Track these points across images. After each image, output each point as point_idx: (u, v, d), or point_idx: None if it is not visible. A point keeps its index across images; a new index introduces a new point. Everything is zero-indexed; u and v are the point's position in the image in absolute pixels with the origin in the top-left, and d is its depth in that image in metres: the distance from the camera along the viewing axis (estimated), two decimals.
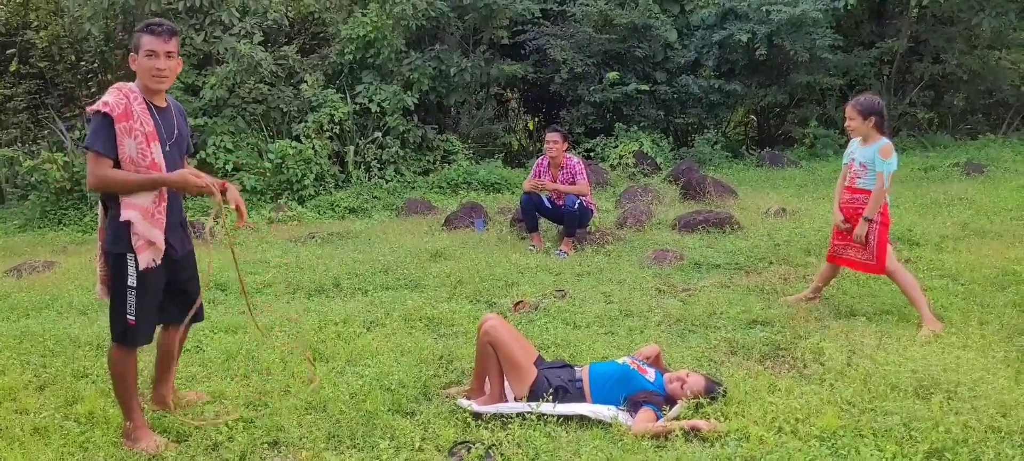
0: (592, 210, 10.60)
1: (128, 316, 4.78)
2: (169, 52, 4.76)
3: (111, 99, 4.64)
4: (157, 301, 4.93)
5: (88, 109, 4.74)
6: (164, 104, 4.93)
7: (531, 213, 10.56)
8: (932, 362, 5.65)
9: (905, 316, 6.88)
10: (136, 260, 4.72)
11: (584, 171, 10.52)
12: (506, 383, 5.46)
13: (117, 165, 4.65)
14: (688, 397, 5.15)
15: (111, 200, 4.75)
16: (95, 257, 5.21)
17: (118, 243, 4.73)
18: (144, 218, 4.70)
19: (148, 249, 4.74)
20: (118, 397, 4.99)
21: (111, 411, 5.26)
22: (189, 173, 4.81)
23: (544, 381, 5.33)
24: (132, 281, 4.75)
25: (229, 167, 15.28)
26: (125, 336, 4.83)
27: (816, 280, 7.57)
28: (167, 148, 4.83)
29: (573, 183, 10.34)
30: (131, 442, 4.90)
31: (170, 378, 5.43)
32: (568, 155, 10.52)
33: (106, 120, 4.61)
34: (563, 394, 5.25)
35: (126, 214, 4.67)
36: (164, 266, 4.88)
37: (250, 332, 6.83)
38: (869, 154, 6.89)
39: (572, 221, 10.19)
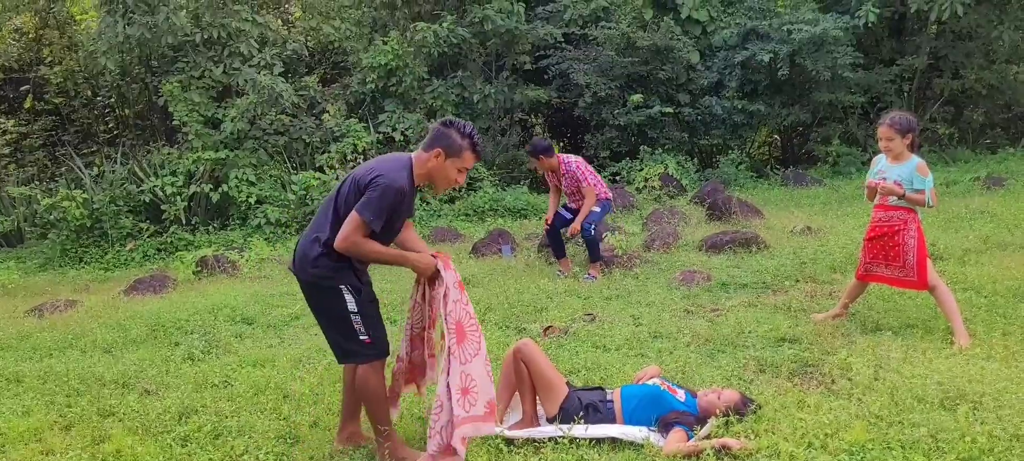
0: (608, 205, 10.42)
1: (362, 337, 4.87)
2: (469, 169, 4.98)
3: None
4: (378, 311, 5.03)
5: (380, 181, 4.68)
6: None
7: (557, 239, 10.52)
8: (957, 373, 5.68)
9: (930, 329, 6.91)
10: (351, 288, 4.81)
11: (585, 171, 10.17)
12: (538, 407, 5.52)
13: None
14: (722, 411, 5.19)
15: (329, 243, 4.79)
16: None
17: (335, 277, 4.81)
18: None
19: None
20: (370, 417, 5.07)
21: (139, 449, 5.27)
22: (425, 260, 4.91)
23: (575, 399, 5.38)
24: (353, 306, 4.82)
25: (252, 200, 15.34)
26: (366, 354, 4.92)
27: (843, 297, 7.58)
28: (398, 225, 4.93)
29: (579, 191, 10.17)
30: None
31: (358, 414, 5.40)
32: (563, 158, 10.21)
33: (400, 195, 4.71)
34: (593, 412, 5.29)
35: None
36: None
37: (279, 366, 6.89)
38: (905, 173, 6.92)
39: (593, 248, 10.13)
